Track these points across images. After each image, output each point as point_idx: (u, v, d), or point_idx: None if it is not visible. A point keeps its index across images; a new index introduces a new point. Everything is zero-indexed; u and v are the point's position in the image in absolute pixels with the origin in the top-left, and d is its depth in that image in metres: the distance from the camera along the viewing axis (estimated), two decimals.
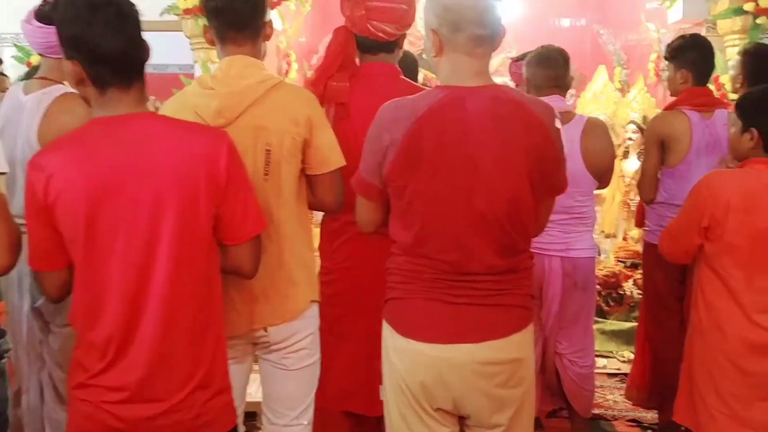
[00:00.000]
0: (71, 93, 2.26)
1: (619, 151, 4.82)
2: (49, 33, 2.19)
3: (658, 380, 3.14)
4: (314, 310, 2.10)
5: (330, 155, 2.01)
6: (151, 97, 3.28)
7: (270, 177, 1.92)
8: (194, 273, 1.57)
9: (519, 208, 1.67)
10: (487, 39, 1.67)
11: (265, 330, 1.99)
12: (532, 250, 1.81)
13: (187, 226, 1.54)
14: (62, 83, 2.28)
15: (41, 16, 2.27)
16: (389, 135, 1.67)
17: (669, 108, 3.08)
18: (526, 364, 1.77)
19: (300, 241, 2.03)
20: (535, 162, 1.66)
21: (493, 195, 1.64)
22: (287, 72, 5.10)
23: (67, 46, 1.54)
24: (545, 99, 2.64)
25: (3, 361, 1.69)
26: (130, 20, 1.54)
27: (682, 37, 3.15)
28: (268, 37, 2.05)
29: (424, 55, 5.65)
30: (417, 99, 1.70)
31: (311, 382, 2.14)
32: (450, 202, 1.65)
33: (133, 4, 1.57)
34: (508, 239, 1.69)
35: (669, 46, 3.11)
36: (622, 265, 4.52)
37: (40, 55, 2.38)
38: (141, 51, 1.57)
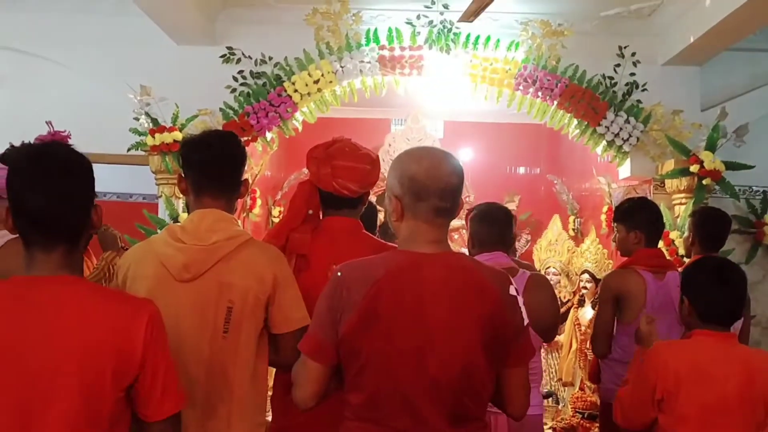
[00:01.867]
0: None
1: (575, 299, 4.90)
2: None
3: None
4: None
5: (293, 314, 2.00)
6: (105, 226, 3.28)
7: (229, 335, 1.90)
8: None
9: (472, 376, 1.66)
10: (447, 210, 1.73)
11: None
12: None
13: (87, 400, 1.44)
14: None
15: None
16: (347, 295, 1.67)
17: (623, 266, 3.17)
18: None
19: (252, 405, 1.98)
20: (488, 328, 1.66)
21: (446, 363, 1.64)
22: (252, 207, 5.16)
23: (6, 189, 1.50)
24: (488, 255, 2.74)
25: None
26: (69, 181, 1.48)
27: (630, 200, 3.31)
28: (242, 196, 2.10)
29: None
30: (375, 261, 1.72)
31: None
32: (403, 366, 1.64)
33: (77, 168, 1.51)
34: (460, 407, 1.67)
35: (618, 209, 3.24)
36: (580, 416, 4.46)
37: None
38: (69, 215, 1.49)
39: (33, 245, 1.51)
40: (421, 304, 1.65)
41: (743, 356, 2.15)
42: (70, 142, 2.42)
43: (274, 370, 2.42)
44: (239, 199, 2.11)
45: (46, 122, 2.39)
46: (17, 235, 1.53)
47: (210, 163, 2.01)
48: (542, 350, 2.96)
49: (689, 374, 2.09)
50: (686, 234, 3.41)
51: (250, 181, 4.95)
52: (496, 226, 2.85)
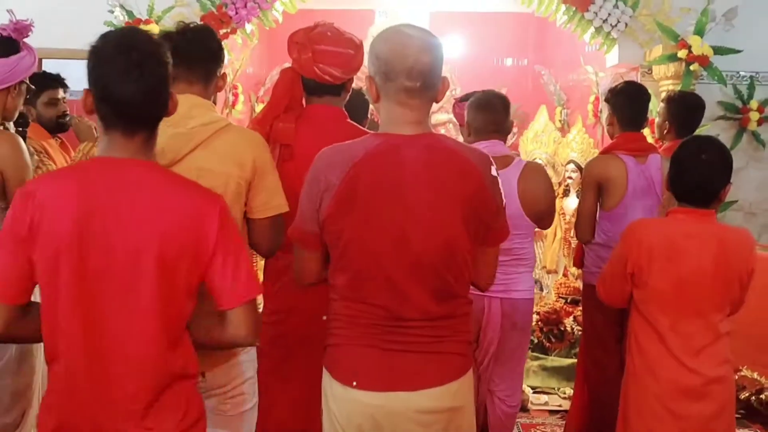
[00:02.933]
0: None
1: (560, 190, 4.95)
2: None
3: (595, 420, 3.18)
4: (251, 354, 2.06)
5: (272, 200, 1.99)
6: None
7: None
8: (171, 326, 1.53)
9: (454, 253, 1.69)
10: (418, 91, 1.67)
11: (203, 376, 1.95)
12: (471, 291, 1.82)
13: (166, 282, 1.50)
14: None
15: None
16: (325, 179, 1.68)
17: (605, 152, 3.19)
18: (465, 412, 1.77)
19: None
20: (470, 208, 1.68)
21: (427, 240, 1.66)
22: (234, 104, 5.08)
23: (88, 76, 1.52)
24: (485, 143, 2.75)
25: None
26: (151, 71, 1.50)
27: (622, 82, 3.28)
28: (219, 89, 2.06)
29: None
30: (353, 144, 1.72)
31: (249, 426, 2.11)
32: (384, 247, 1.67)
33: (161, 58, 1.54)
34: (443, 284, 1.70)
35: (609, 90, 3.23)
36: (563, 301, 4.61)
37: None
38: (154, 104, 1.54)
39: (113, 130, 1.53)
40: (401, 184, 1.65)
41: (719, 233, 2.19)
42: (33, 34, 2.38)
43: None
44: (218, 92, 2.06)
45: (7, 10, 2.32)
46: (93, 115, 1.55)
47: (181, 50, 1.94)
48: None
49: (663, 249, 2.14)
50: (659, 119, 3.40)
51: (231, 77, 4.86)
52: (492, 113, 2.85)
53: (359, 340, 1.72)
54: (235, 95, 5.09)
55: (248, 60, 5.17)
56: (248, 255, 1.64)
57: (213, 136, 1.91)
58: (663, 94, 4.30)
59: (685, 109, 3.38)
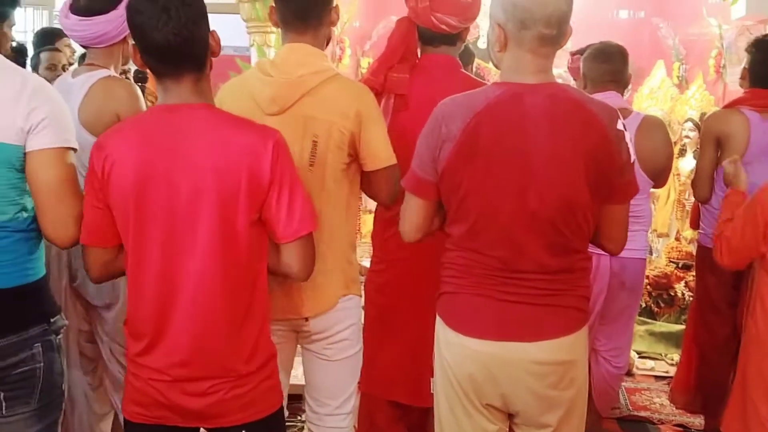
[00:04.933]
0: (113, 77, 2.34)
1: (676, 149, 4.72)
2: (90, 25, 2.28)
3: (703, 385, 3.11)
4: (354, 301, 2.09)
5: (380, 152, 1.99)
6: None
7: (315, 168, 1.92)
8: (233, 263, 1.58)
9: (573, 208, 1.65)
10: (554, 39, 1.64)
11: (306, 320, 2.01)
12: None
13: (225, 218, 1.55)
14: (108, 68, 2.35)
15: (77, 9, 2.30)
16: (446, 129, 1.66)
17: (728, 106, 3.02)
18: (579, 366, 1.76)
19: (340, 235, 2.01)
20: (592, 162, 1.63)
21: (545, 193, 1.63)
22: (340, 58, 5.12)
23: (129, 29, 1.59)
24: (601, 95, 2.66)
25: (59, 337, 1.73)
26: (178, 13, 1.52)
27: (765, 35, 3.08)
28: (333, 23, 2.04)
29: (478, 44, 5.61)
30: (475, 94, 1.69)
31: (353, 372, 2.16)
32: (503, 199, 1.65)
33: None
34: (560, 238, 1.67)
35: (752, 41, 3.03)
36: (674, 266, 4.44)
37: (84, 47, 2.44)
38: (189, 44, 1.56)
39: (163, 77, 1.60)
40: (522, 135, 1.62)
41: None
42: None
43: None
44: (332, 26, 2.06)
45: None
46: (146, 68, 1.62)
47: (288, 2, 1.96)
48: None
49: None
50: (742, 66, 3.14)
51: (338, 30, 4.88)
52: (610, 63, 2.77)
53: (474, 289, 1.72)
54: (342, 49, 5.12)
55: (355, 13, 5.17)
56: (304, 191, 1.66)
57: (320, 85, 1.92)
58: None
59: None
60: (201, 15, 1.58)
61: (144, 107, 2.36)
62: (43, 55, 3.68)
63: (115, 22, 2.29)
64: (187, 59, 1.58)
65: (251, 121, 1.65)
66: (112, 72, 2.36)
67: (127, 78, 2.73)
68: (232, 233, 1.57)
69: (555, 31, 1.63)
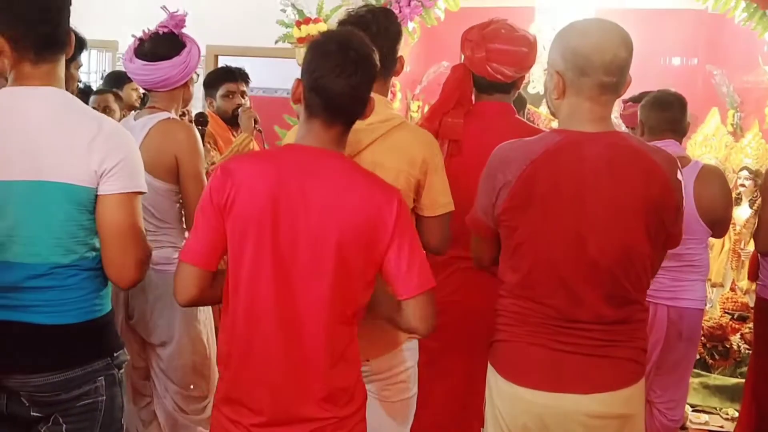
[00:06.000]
0: (173, 119, 2.41)
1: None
2: (153, 69, 2.36)
3: None
4: (414, 343, 2.10)
5: (440, 199, 2.00)
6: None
7: None
8: (342, 308, 1.60)
9: (633, 258, 1.63)
10: (613, 87, 1.64)
11: (367, 360, 2.01)
12: None
13: (338, 270, 1.57)
14: (169, 111, 2.42)
15: (142, 54, 2.38)
16: (503, 176, 1.67)
17: None
18: (635, 421, 1.72)
19: None
20: (653, 212, 1.62)
21: (605, 243, 1.61)
22: (391, 101, 5.18)
23: (304, 65, 1.63)
24: (659, 143, 2.64)
25: (121, 372, 1.76)
26: (363, 71, 1.59)
27: None
28: (398, 73, 2.09)
29: (528, 89, 5.63)
30: (533, 141, 1.69)
31: (408, 415, 2.14)
32: (560, 247, 1.64)
33: (375, 61, 1.63)
34: (619, 289, 1.65)
35: None
36: (729, 317, 4.32)
37: (146, 90, 2.52)
38: (359, 101, 1.63)
39: (315, 119, 1.63)
40: (580, 183, 1.62)
41: None
42: (209, 32, 2.51)
43: None
44: (396, 76, 2.09)
45: (161, 7, 2.47)
46: (300, 104, 1.66)
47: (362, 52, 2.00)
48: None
49: None
50: None
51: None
52: (668, 112, 2.77)
53: (528, 338, 1.71)
54: (393, 93, 5.19)
55: (407, 58, 5.24)
56: (422, 248, 1.67)
57: (388, 133, 1.95)
58: None
59: None
60: (372, 77, 1.63)
61: (202, 149, 2.41)
62: (92, 98, 3.82)
63: (178, 67, 2.38)
64: (349, 113, 1.64)
65: (379, 178, 1.68)
66: (172, 114, 2.42)
67: (185, 119, 2.80)
68: (346, 280, 1.58)
69: (615, 79, 1.63)
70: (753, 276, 3.14)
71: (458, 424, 2.38)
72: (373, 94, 1.99)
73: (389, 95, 5.24)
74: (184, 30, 2.44)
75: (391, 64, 2.04)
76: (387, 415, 2.10)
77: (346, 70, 1.57)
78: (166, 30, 2.40)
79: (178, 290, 1.65)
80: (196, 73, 2.53)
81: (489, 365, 1.80)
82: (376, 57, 1.64)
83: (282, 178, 1.58)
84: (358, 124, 1.95)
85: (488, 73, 2.29)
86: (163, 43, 2.38)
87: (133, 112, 2.65)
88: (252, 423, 1.60)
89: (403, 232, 1.60)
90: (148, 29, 2.43)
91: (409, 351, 2.09)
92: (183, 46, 2.41)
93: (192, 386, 2.46)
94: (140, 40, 2.42)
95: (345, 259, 1.56)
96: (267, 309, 1.58)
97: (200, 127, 3.06)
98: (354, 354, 1.67)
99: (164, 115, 2.39)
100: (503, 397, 1.73)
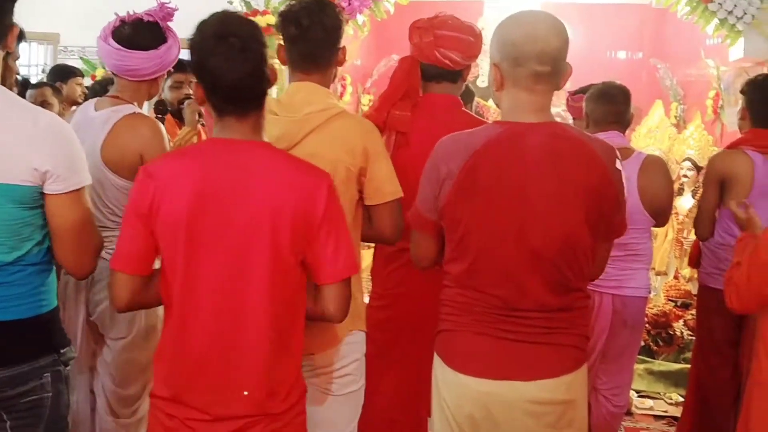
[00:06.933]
0: (139, 113, 2.29)
1: (674, 188, 4.75)
2: (127, 56, 2.24)
3: (707, 429, 3.07)
4: (359, 336, 2.08)
5: (385, 187, 1.99)
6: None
7: None
8: (281, 300, 1.58)
9: (574, 247, 1.66)
10: (547, 76, 1.65)
11: (312, 355, 2.00)
12: None
13: (277, 256, 1.55)
14: (133, 104, 2.31)
15: (120, 38, 2.26)
16: (446, 167, 1.67)
17: (731, 147, 3.03)
18: (577, 406, 1.74)
19: None
20: (593, 201, 1.64)
21: (547, 232, 1.63)
22: (342, 95, 5.18)
23: (193, 70, 1.59)
24: (603, 135, 2.68)
25: (68, 368, 1.72)
26: (252, 53, 1.54)
27: (762, 75, 3.11)
28: (341, 64, 2.07)
29: (477, 82, 5.68)
30: (475, 133, 1.70)
31: (355, 408, 2.13)
32: (503, 237, 1.65)
33: (258, 37, 1.57)
34: (561, 277, 1.67)
35: (747, 81, 3.06)
36: (673, 304, 4.44)
37: (114, 74, 2.38)
38: (259, 83, 1.58)
39: (228, 114, 1.59)
40: (522, 174, 1.63)
41: None
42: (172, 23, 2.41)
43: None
44: (340, 66, 2.07)
45: None
46: (205, 106, 1.62)
47: (300, 39, 1.96)
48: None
49: None
50: (740, 106, 3.15)
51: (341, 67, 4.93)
52: (612, 104, 2.81)
53: (472, 327, 1.71)
54: (343, 86, 5.19)
55: (357, 52, 5.24)
56: (350, 236, 1.67)
57: (326, 123, 1.93)
58: None
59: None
60: (263, 53, 1.59)
61: (167, 146, 2.31)
62: (29, 92, 3.67)
63: (153, 60, 2.27)
64: (255, 98, 1.60)
65: (307, 163, 1.66)
66: (137, 108, 2.30)
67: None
68: (282, 271, 1.57)
69: (549, 68, 1.64)
70: (694, 263, 3.22)
71: (408, 414, 2.39)
72: (311, 84, 1.97)
73: (339, 88, 5.25)
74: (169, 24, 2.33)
75: (329, 55, 2.01)
76: (334, 409, 2.08)
77: (236, 60, 1.52)
78: (151, 19, 2.29)
79: (112, 297, 1.65)
80: (170, 70, 2.44)
81: (435, 355, 1.80)
82: (259, 30, 1.59)
83: (207, 173, 1.55)
84: (294, 116, 1.93)
85: (436, 58, 2.30)
86: (144, 33, 2.27)
87: (92, 99, 2.50)
88: (187, 417, 1.57)
89: (332, 216, 1.59)
90: (133, 11, 2.30)
91: (356, 344, 2.08)
92: (164, 40, 2.30)
93: (130, 385, 2.38)
94: (121, 21, 2.28)
95: (280, 246, 1.55)
96: (204, 306, 1.56)
97: (160, 116, 3.00)
98: (298, 346, 1.66)
99: (129, 108, 2.27)
100: (449, 386, 1.74)
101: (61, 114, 3.33)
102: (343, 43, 2.06)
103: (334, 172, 1.91)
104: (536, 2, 5.54)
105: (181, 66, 3.44)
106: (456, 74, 2.36)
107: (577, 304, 1.73)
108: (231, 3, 4.27)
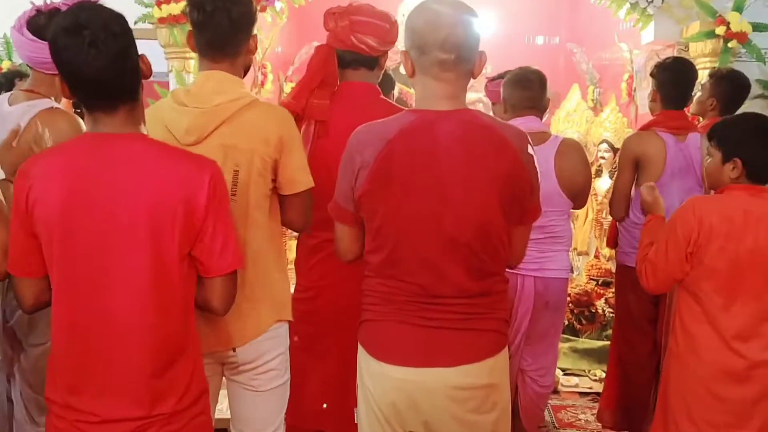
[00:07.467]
0: (56, 108, 2.22)
1: (592, 170, 4.87)
2: (43, 48, 2.12)
3: (627, 403, 3.16)
4: (282, 329, 2.06)
5: (298, 177, 1.97)
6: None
7: (237, 197, 1.88)
8: (166, 296, 1.54)
9: (489, 232, 1.67)
10: (453, 64, 1.63)
11: (234, 350, 1.96)
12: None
13: (158, 251, 1.51)
14: (49, 98, 2.23)
15: (34, 28, 2.17)
16: (360, 158, 1.66)
17: (644, 128, 3.12)
18: (500, 390, 1.76)
19: (266, 261, 1.98)
20: (505, 187, 1.65)
21: (462, 219, 1.64)
22: (263, 83, 5.07)
23: (56, 65, 1.52)
24: (521, 120, 2.72)
25: None
26: (106, 47, 1.46)
27: (671, 57, 3.20)
28: (252, 52, 2.01)
29: (401, 70, 5.68)
30: (388, 122, 1.69)
31: (281, 403, 2.11)
32: (420, 225, 1.65)
33: (114, 29, 1.48)
34: (479, 262, 1.68)
35: (656, 64, 3.15)
36: (594, 283, 4.56)
37: (29, 66, 2.29)
38: (121, 76, 1.51)
39: (96, 109, 1.53)
40: (435, 162, 1.63)
41: None
42: None
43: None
44: (251, 55, 2.02)
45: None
46: (73, 100, 1.56)
47: (206, 25, 1.90)
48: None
49: (722, 228, 2.06)
50: (703, 96, 3.30)
51: (261, 55, 4.84)
52: (529, 90, 2.84)
53: (394, 316, 1.71)
54: (264, 74, 5.07)
55: (277, 39, 5.14)
56: (235, 227, 1.65)
57: (238, 113, 1.88)
58: (700, 73, 4.20)
59: (732, 87, 3.28)
60: (129, 45, 1.52)
61: None
62: None
63: None
64: (120, 92, 1.53)
65: (187, 152, 1.61)
66: (53, 103, 2.22)
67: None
68: (165, 267, 1.52)
69: (453, 56, 1.62)
70: (612, 243, 3.31)
71: (338, 407, 2.37)
72: (220, 72, 1.92)
73: (260, 76, 5.14)
74: None
75: (236, 42, 1.94)
76: (260, 405, 2.06)
77: (89, 54, 1.45)
78: (64, 8, 2.18)
79: (17, 300, 1.62)
80: None
81: (359, 345, 1.79)
82: (117, 20, 1.50)
83: (77, 170, 1.50)
84: (204, 107, 1.87)
85: (352, 44, 2.28)
86: None
87: (6, 93, 2.38)
88: (76, 419, 1.53)
89: (217, 207, 1.56)
90: (50, 0, 2.19)
91: (279, 338, 2.05)
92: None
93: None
94: (37, 11, 2.18)
95: (162, 242, 1.51)
96: (82, 308, 1.51)
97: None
98: (192, 344, 1.62)
99: (46, 103, 2.19)
100: (373, 375, 1.73)
101: None
102: (262, 30, 2.01)
103: (250, 163, 1.88)
104: None
105: None
106: (373, 61, 2.34)
107: (495, 288, 1.75)
108: None
